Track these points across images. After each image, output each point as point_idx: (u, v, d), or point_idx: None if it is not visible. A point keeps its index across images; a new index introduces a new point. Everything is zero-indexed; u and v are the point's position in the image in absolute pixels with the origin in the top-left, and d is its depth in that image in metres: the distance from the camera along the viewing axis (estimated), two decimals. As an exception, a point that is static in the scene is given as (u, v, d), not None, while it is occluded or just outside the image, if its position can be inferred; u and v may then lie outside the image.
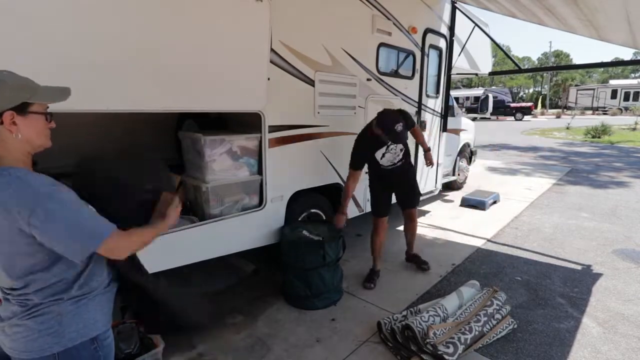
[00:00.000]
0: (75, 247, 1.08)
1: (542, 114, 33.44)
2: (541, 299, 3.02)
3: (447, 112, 5.23)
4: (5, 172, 1.03)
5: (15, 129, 1.05)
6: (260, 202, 2.95)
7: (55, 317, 1.12)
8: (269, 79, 2.69)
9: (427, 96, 4.74)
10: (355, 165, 3.08)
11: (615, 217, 5.13)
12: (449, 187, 6.40)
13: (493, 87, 32.56)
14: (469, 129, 6.68)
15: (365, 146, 3.10)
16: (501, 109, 27.14)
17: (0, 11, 1.60)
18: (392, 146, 3.12)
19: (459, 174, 6.47)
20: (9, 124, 1.04)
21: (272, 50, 2.72)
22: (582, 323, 2.70)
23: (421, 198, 5.12)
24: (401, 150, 3.19)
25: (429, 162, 3.41)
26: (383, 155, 3.15)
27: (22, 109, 1.06)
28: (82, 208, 1.12)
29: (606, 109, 32.22)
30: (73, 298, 1.15)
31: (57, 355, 1.13)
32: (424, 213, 5.29)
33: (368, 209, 4.00)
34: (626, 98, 32.56)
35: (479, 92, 26.23)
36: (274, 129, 2.88)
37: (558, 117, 29.00)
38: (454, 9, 4.95)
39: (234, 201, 2.82)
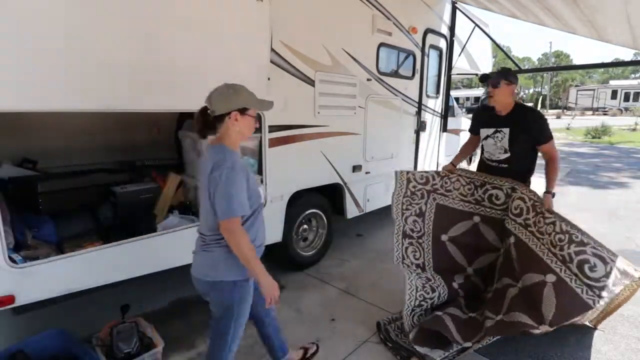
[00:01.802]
0: (217, 209, 1.48)
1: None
2: (541, 300, 3.02)
3: (447, 112, 5.23)
4: (225, 149, 1.57)
5: (236, 124, 1.57)
6: (260, 202, 2.94)
7: (217, 254, 1.57)
8: (269, 78, 2.69)
9: (427, 96, 4.74)
10: (470, 128, 2.90)
11: (615, 218, 5.12)
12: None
13: (493, 88, 32.48)
14: (469, 129, 6.67)
15: (479, 114, 2.83)
16: (501, 110, 27.05)
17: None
18: (498, 134, 2.59)
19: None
20: (233, 120, 1.56)
21: (272, 50, 2.72)
22: (582, 323, 2.69)
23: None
24: (506, 151, 2.59)
25: (545, 205, 2.35)
26: (487, 137, 2.67)
27: (243, 111, 1.58)
28: (241, 193, 1.50)
29: (606, 110, 32.21)
30: (226, 247, 1.53)
31: (212, 283, 1.59)
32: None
33: (368, 208, 4.01)
34: (626, 99, 32.56)
35: (479, 92, 26.23)
36: (274, 128, 2.88)
37: (558, 117, 28.99)
38: (454, 9, 4.95)
39: (234, 201, 2.82)
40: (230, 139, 1.59)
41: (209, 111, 1.56)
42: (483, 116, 2.74)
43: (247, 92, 1.60)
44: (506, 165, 2.64)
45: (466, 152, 3.02)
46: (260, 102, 1.65)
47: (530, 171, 2.68)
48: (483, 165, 2.83)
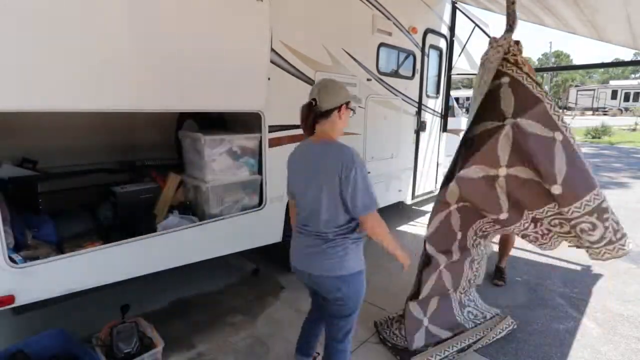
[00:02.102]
0: (359, 205, 1.53)
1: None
2: (541, 300, 3.02)
3: (447, 112, 5.23)
4: (337, 143, 1.63)
5: (343, 116, 1.66)
6: (260, 202, 2.94)
7: (343, 250, 1.60)
8: (269, 78, 2.69)
9: (427, 96, 4.74)
10: None
11: (615, 218, 5.12)
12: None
13: (493, 88, 32.49)
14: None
15: None
16: (501, 110, 27.06)
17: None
18: None
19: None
20: (342, 113, 1.65)
21: (272, 50, 2.72)
22: (582, 324, 2.70)
23: (421, 198, 5.14)
24: None
25: None
26: None
27: (347, 104, 1.66)
28: (370, 183, 1.57)
29: (606, 110, 32.20)
30: (353, 240, 1.63)
31: (343, 277, 1.61)
32: (423, 213, 5.28)
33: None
34: (626, 99, 32.55)
35: (479, 92, 26.21)
36: (274, 128, 2.88)
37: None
38: (454, 9, 4.95)
39: (234, 201, 2.82)
40: (335, 132, 1.67)
41: (315, 106, 1.61)
42: None
43: (346, 87, 1.71)
44: None
45: None
46: (353, 96, 1.74)
47: None
48: None
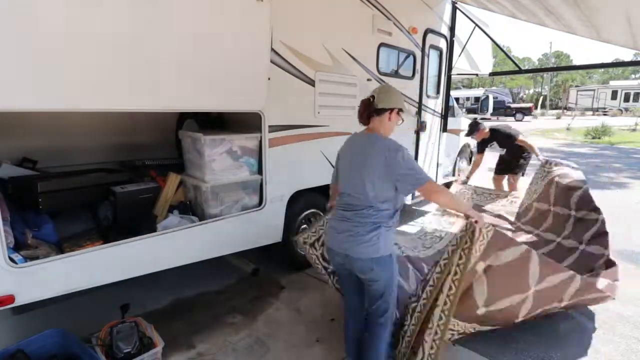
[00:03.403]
0: (412, 182, 1.75)
1: (543, 114, 33.45)
2: (541, 300, 3.02)
3: (447, 112, 5.23)
4: (385, 136, 1.90)
5: (392, 118, 1.91)
6: (260, 202, 2.95)
7: (377, 235, 1.79)
8: (269, 78, 2.69)
9: (428, 96, 4.74)
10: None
11: (615, 218, 5.11)
12: (448, 187, 6.39)
13: (493, 88, 32.54)
14: (469, 129, 6.67)
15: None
16: (501, 110, 27.10)
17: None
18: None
19: (459, 174, 6.46)
20: (393, 115, 1.90)
21: (272, 50, 2.72)
22: (582, 324, 2.70)
23: (421, 198, 5.13)
24: None
25: None
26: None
27: (398, 111, 1.93)
28: (415, 164, 1.81)
29: (606, 110, 32.20)
30: (387, 227, 1.82)
31: (376, 259, 1.80)
32: (423, 213, 5.28)
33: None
34: (626, 99, 32.55)
35: (479, 92, 26.24)
36: (274, 128, 2.88)
37: (558, 118, 29.00)
38: (454, 9, 4.95)
39: (234, 201, 2.82)
40: (384, 130, 1.92)
41: (373, 102, 1.88)
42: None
43: (402, 97, 1.98)
44: None
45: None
46: (404, 106, 2.00)
47: None
48: None
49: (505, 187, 5.02)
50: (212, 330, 2.57)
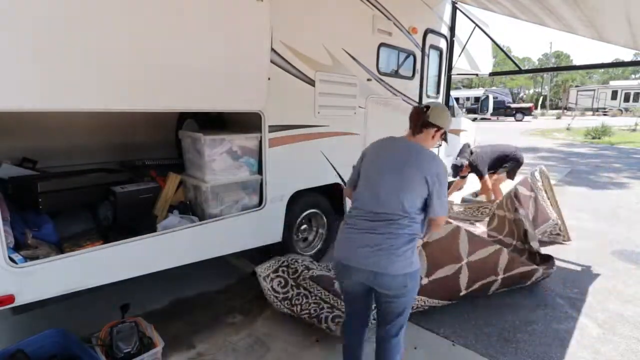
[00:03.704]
0: (442, 209, 1.74)
1: (543, 114, 33.45)
2: (541, 300, 3.02)
3: (447, 112, 5.22)
4: (430, 150, 1.82)
5: (434, 137, 1.86)
6: (260, 202, 2.95)
7: (411, 249, 1.70)
8: (269, 78, 2.69)
9: (428, 96, 4.73)
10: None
11: (615, 218, 5.12)
12: (448, 187, 6.38)
13: (493, 88, 32.56)
14: (469, 129, 6.67)
15: None
16: (501, 110, 27.12)
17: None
18: None
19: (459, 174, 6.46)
20: (437, 134, 1.85)
21: (272, 50, 2.72)
22: (582, 324, 2.70)
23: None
24: None
25: None
26: None
27: (443, 133, 1.87)
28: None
29: (606, 110, 32.20)
30: (413, 239, 1.72)
31: (409, 274, 1.68)
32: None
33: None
34: (626, 99, 32.56)
35: (479, 92, 26.24)
36: (274, 128, 2.88)
37: (558, 118, 29.00)
38: (454, 9, 4.95)
39: (234, 201, 2.82)
40: (427, 144, 1.85)
41: (426, 113, 1.82)
42: None
43: (451, 120, 1.95)
44: None
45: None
46: (449, 130, 1.94)
47: None
48: None
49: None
50: (212, 330, 2.57)
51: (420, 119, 1.82)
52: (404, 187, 1.69)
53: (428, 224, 1.84)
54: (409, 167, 1.72)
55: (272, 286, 2.74)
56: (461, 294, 2.78)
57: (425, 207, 1.74)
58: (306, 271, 2.87)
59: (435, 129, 1.83)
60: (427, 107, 1.84)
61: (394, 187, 1.70)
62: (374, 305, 1.93)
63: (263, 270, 2.81)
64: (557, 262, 3.72)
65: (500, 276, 2.87)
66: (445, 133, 1.88)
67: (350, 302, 1.95)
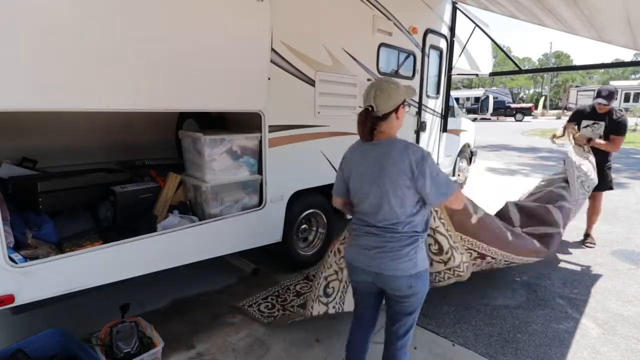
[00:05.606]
0: (442, 192, 1.57)
1: (543, 114, 33.45)
2: (541, 300, 3.02)
3: (447, 112, 5.23)
4: (401, 140, 1.64)
5: (400, 115, 1.65)
6: (260, 202, 2.95)
7: (414, 250, 1.62)
8: (269, 78, 2.69)
9: (428, 96, 4.74)
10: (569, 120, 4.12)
11: (615, 219, 5.12)
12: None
13: (493, 88, 32.59)
14: (469, 129, 6.68)
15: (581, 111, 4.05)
16: (501, 110, 27.15)
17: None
18: (596, 125, 3.86)
19: (459, 174, 6.47)
20: (400, 113, 1.65)
21: (272, 50, 2.72)
22: (582, 324, 2.70)
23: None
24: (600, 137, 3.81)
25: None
26: (587, 126, 3.92)
27: (403, 102, 1.65)
28: (441, 171, 1.59)
29: (606, 110, 32.16)
30: (422, 239, 1.67)
31: (415, 275, 1.61)
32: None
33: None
34: (626, 99, 32.55)
35: (479, 92, 26.26)
36: (274, 128, 2.88)
37: (558, 118, 28.99)
38: (454, 9, 4.95)
39: (234, 201, 2.82)
40: (394, 130, 1.68)
41: (373, 111, 1.59)
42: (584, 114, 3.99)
43: (400, 83, 1.67)
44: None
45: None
46: (408, 90, 1.70)
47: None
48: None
49: None
50: (212, 330, 2.57)
51: (370, 122, 1.61)
52: (390, 195, 1.57)
53: (448, 213, 1.80)
54: (385, 175, 1.58)
55: (258, 309, 2.81)
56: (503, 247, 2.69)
57: (422, 201, 1.62)
58: (296, 299, 2.91)
59: (393, 112, 1.62)
60: (370, 106, 1.59)
61: (381, 200, 1.60)
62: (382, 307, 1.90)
63: (248, 300, 2.90)
64: (557, 263, 3.73)
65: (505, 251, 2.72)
66: (404, 100, 1.66)
67: (358, 302, 1.94)
